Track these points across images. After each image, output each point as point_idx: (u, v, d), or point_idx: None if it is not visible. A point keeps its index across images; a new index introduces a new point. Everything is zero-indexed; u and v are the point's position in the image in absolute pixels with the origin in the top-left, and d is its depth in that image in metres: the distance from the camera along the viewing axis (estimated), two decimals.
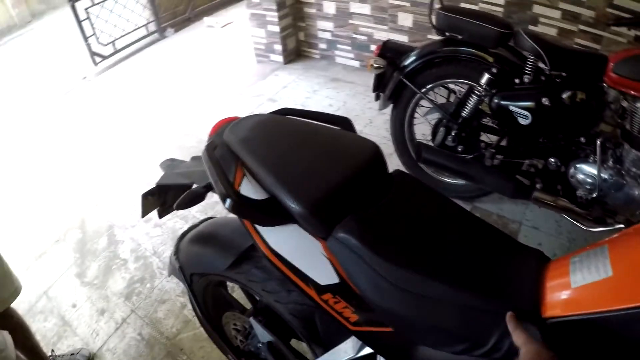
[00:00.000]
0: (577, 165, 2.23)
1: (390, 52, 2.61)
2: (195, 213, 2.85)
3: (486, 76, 2.27)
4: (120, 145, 3.75)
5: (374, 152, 1.19)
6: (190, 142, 3.41)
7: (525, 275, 1.01)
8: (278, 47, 4.40)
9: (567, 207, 2.26)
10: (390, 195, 1.14)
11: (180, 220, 2.89)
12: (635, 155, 2.07)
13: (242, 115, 1.32)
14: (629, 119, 2.04)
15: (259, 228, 1.12)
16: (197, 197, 1.25)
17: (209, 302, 1.70)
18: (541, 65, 2.19)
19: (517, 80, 2.25)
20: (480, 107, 2.40)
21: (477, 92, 2.34)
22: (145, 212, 1.43)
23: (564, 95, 2.12)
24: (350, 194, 1.08)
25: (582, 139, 2.20)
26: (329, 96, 4.00)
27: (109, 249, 2.74)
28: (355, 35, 4.24)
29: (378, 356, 1.19)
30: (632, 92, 1.98)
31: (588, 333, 0.88)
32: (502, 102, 2.23)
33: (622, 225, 2.13)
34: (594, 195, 2.17)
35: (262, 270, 1.36)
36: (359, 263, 1.01)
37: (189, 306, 2.21)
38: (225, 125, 1.27)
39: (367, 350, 1.18)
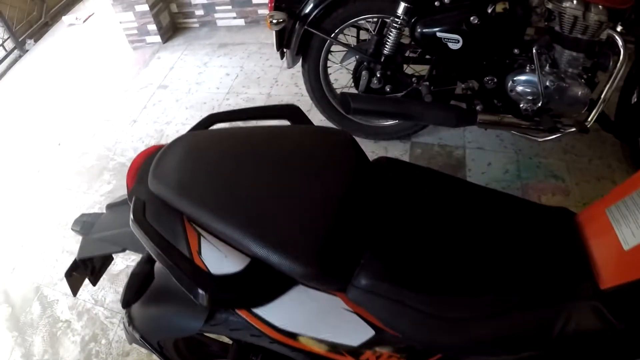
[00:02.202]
0: (515, 78, 2.12)
1: (286, 3, 2.32)
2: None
3: (403, 5, 2.05)
4: (10, 185, 3.12)
5: (352, 148, 0.95)
6: (89, 162, 2.96)
7: (567, 247, 0.88)
8: (152, 27, 3.91)
9: (513, 122, 2.17)
10: (389, 195, 0.93)
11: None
12: (569, 55, 2.01)
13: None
14: (557, 20, 1.96)
15: (255, 309, 0.84)
16: (146, 280, 0.95)
17: (185, 353, 1.42)
18: None
19: (437, 4, 2.06)
20: (401, 40, 2.21)
21: (395, 25, 2.13)
22: (75, 290, 1.16)
23: (489, 10, 1.98)
24: (353, 218, 0.84)
25: (516, 50, 2.08)
26: (222, 65, 3.65)
27: (45, 315, 2.33)
28: None
29: None
30: None
31: None
32: (428, 30, 2.05)
33: (573, 129, 2.07)
34: (539, 104, 2.08)
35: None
36: (395, 306, 0.80)
37: None
38: (144, 167, 0.95)
39: None
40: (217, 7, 4.00)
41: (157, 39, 3.98)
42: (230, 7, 3.96)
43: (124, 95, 3.50)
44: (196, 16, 4.09)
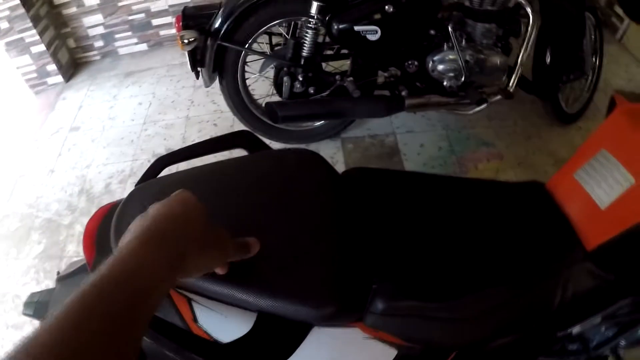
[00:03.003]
0: (435, 58, 2.16)
1: (193, 20, 2.23)
2: None
3: (315, 4, 2.02)
4: None
5: (323, 166, 0.91)
6: (12, 224, 2.68)
7: (548, 219, 0.91)
8: (52, 67, 3.65)
9: (440, 101, 2.21)
10: (373, 207, 0.90)
11: None
12: (482, 27, 2.08)
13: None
14: None
15: None
16: None
17: None
18: None
19: None
20: (318, 40, 2.19)
21: (310, 25, 2.10)
22: None
23: None
24: (352, 242, 0.79)
25: (432, 31, 2.12)
26: (133, 94, 3.48)
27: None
28: (131, 17, 3.70)
29: None
30: None
31: (631, 245, 0.82)
32: (344, 26, 2.03)
33: (499, 97, 2.13)
34: (462, 79, 2.12)
35: None
36: (414, 320, 0.79)
37: None
38: (101, 232, 0.84)
39: None
40: (116, 35, 3.82)
41: (59, 78, 3.73)
42: (130, 32, 3.80)
43: (35, 145, 3.23)
44: (96, 48, 3.89)
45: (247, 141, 1.06)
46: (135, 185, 0.94)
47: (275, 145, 2.50)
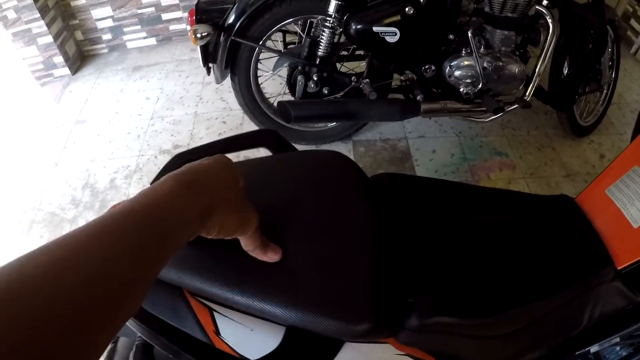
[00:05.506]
0: (453, 63, 2.13)
1: (207, 15, 2.18)
2: None
3: (334, 3, 1.98)
4: None
5: (354, 170, 0.86)
6: (15, 216, 2.62)
7: (579, 235, 0.88)
8: (59, 59, 3.59)
9: (456, 108, 2.17)
10: (406, 215, 0.86)
11: None
12: (501, 34, 2.05)
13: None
14: (487, 1, 1.98)
15: None
16: None
17: None
18: None
19: None
20: (334, 39, 2.15)
21: (327, 24, 2.06)
22: None
23: None
24: (389, 252, 0.74)
25: (451, 36, 2.08)
26: (140, 89, 3.44)
27: None
28: (140, 11, 3.66)
29: None
30: None
31: None
32: (363, 26, 1.99)
33: (516, 106, 2.10)
34: (479, 86, 2.09)
35: None
36: (451, 338, 0.75)
37: None
38: None
39: None
40: (125, 29, 3.77)
41: (66, 71, 3.67)
42: (139, 26, 3.76)
43: (40, 137, 3.18)
44: (104, 41, 3.84)
45: (272, 141, 0.98)
46: (151, 183, 0.88)
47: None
